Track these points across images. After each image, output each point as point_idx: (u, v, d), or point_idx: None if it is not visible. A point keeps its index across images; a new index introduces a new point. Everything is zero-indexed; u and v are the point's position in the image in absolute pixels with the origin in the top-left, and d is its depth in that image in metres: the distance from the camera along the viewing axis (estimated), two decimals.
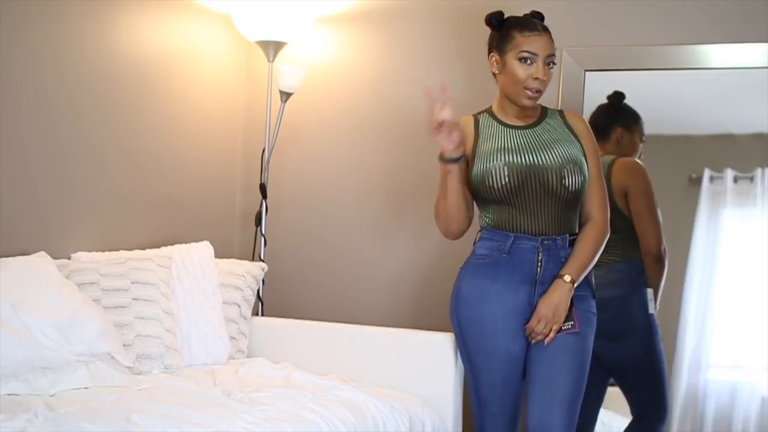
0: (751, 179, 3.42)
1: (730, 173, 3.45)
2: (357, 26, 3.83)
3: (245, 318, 3.38)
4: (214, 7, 3.82)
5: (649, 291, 3.31)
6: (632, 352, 3.29)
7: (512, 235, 2.72)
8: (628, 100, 3.45)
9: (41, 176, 3.12)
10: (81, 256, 3.15)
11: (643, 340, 3.31)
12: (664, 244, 3.33)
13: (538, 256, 2.71)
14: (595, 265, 2.79)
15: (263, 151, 3.74)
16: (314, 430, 2.55)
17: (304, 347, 3.31)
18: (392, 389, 3.04)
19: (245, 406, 2.60)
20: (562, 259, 2.72)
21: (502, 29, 2.80)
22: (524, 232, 2.72)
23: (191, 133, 3.76)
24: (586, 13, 3.47)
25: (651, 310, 3.30)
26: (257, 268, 3.50)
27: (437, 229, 3.66)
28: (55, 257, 2.97)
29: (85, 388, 2.67)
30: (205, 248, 3.41)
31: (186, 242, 3.48)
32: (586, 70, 3.40)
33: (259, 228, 3.74)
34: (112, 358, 2.80)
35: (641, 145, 3.44)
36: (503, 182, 2.70)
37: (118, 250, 3.27)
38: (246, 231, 3.92)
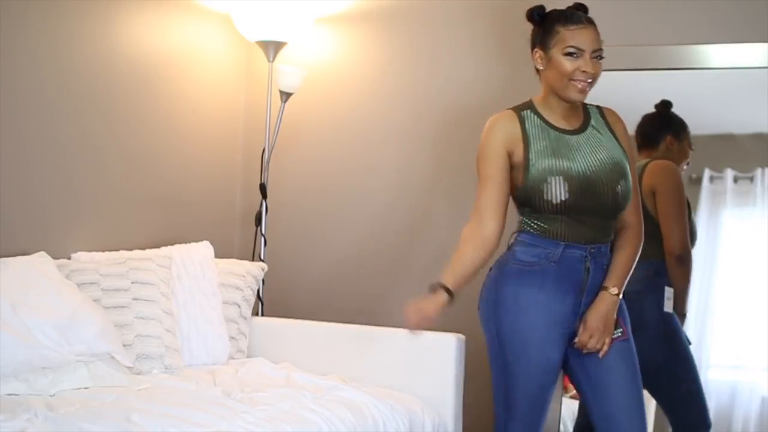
0: (751, 179, 3.43)
1: (730, 173, 3.45)
2: (357, 26, 3.83)
3: (245, 318, 3.39)
4: (214, 7, 3.82)
5: (669, 290, 3.27)
6: (645, 351, 3.24)
7: (562, 243, 2.62)
8: (628, 100, 3.44)
9: (41, 176, 3.12)
10: (81, 256, 3.15)
11: (656, 340, 3.25)
12: (689, 246, 3.30)
13: (586, 264, 2.63)
14: None
15: (263, 151, 3.74)
16: (314, 430, 2.55)
17: (304, 347, 3.31)
18: (392, 389, 3.04)
19: (245, 406, 2.60)
20: (605, 267, 2.67)
21: (545, 24, 2.67)
22: (574, 241, 2.62)
23: (191, 133, 3.76)
24: None
25: (666, 309, 3.25)
26: (257, 268, 3.50)
27: (437, 228, 3.67)
28: (55, 257, 2.97)
29: (85, 388, 2.67)
30: (205, 248, 3.41)
31: (186, 242, 3.48)
32: None
33: (259, 228, 3.74)
34: (112, 358, 2.80)
35: (691, 152, 3.41)
36: (562, 198, 2.59)
37: (118, 250, 3.27)
38: (246, 231, 3.92)
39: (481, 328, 2.76)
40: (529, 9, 2.71)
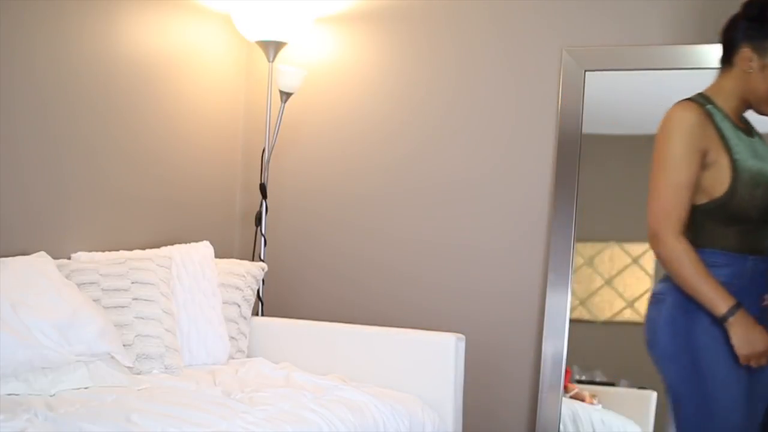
0: None
1: None
2: (357, 26, 3.83)
3: (245, 318, 3.39)
4: (214, 7, 3.82)
5: None
6: None
7: (751, 257, 2.38)
8: (628, 100, 3.44)
9: (41, 176, 3.12)
10: (81, 256, 3.15)
11: None
12: None
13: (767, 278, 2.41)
14: None
15: (263, 151, 3.74)
16: (314, 430, 2.55)
17: (304, 347, 3.31)
18: (392, 389, 3.04)
19: (245, 406, 2.60)
20: None
21: (766, 24, 2.38)
22: (758, 253, 2.39)
23: (191, 133, 3.76)
24: (586, 13, 3.47)
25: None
26: (257, 268, 3.50)
27: (437, 228, 3.67)
28: (55, 257, 2.97)
29: (85, 388, 2.67)
30: (205, 248, 3.41)
31: (186, 242, 3.49)
32: (586, 70, 3.39)
33: (259, 228, 3.74)
34: (112, 358, 2.80)
35: None
36: None
37: (118, 250, 3.28)
38: (246, 231, 3.92)
39: (658, 366, 2.46)
40: (749, 0, 2.43)
